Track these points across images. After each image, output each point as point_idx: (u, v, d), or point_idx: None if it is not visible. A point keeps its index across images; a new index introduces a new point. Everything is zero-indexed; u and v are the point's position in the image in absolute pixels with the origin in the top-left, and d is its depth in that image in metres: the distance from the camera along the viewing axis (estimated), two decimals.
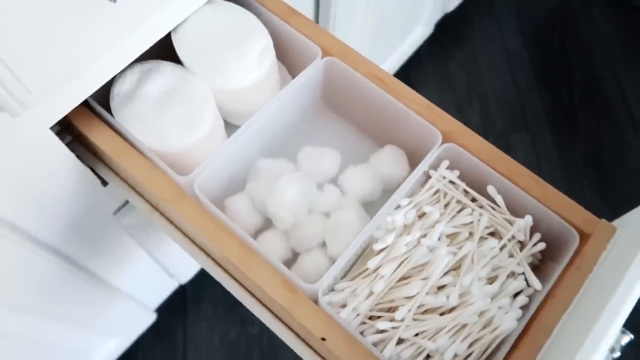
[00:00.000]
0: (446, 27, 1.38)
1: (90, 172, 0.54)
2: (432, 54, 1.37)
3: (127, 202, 0.62)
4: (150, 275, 0.82)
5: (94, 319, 0.72)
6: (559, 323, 0.41)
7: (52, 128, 0.48)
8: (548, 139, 1.28)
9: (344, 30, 0.79)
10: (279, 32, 0.52)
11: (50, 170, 0.48)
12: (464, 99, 1.32)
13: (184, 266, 0.91)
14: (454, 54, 1.38)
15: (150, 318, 0.92)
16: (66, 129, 0.52)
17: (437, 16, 1.22)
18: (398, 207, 0.45)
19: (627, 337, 0.42)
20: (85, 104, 0.48)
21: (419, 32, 1.13)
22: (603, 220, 0.45)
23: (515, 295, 0.43)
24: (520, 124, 1.30)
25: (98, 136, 0.47)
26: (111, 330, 0.80)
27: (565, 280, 0.42)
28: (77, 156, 0.52)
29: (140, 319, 0.88)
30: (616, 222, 0.46)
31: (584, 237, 0.44)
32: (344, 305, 0.42)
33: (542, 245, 0.45)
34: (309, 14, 0.74)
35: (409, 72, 1.33)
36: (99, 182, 0.56)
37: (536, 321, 0.41)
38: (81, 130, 0.47)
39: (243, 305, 0.46)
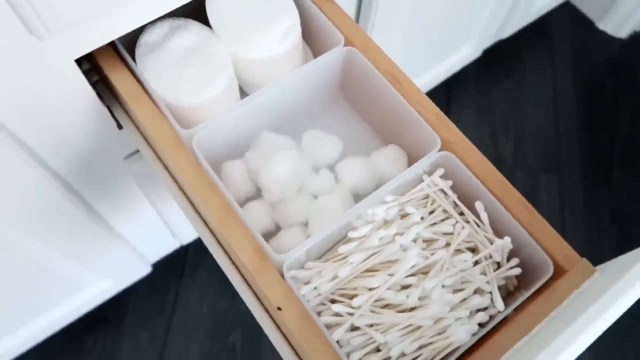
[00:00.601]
0: (497, 54, 1.36)
1: (108, 113, 0.56)
2: (478, 77, 1.36)
3: (138, 150, 0.65)
4: (152, 229, 0.85)
5: (90, 256, 0.75)
6: (513, 348, 0.40)
7: (81, 66, 0.51)
8: (577, 186, 1.25)
9: (382, 32, 0.80)
10: (308, 15, 0.54)
11: (70, 102, 0.51)
12: (500, 128, 1.31)
13: (187, 228, 0.93)
14: (500, 82, 1.37)
15: (145, 270, 0.95)
16: (95, 70, 0.55)
17: (489, 41, 1.21)
18: (383, 202, 0.46)
19: None
20: (114, 47, 0.51)
21: (466, 52, 1.12)
22: (584, 260, 0.44)
23: (479, 311, 0.43)
24: (552, 164, 1.27)
25: (118, 78, 0.50)
26: (105, 271, 0.83)
27: (531, 308, 0.42)
28: (100, 96, 0.55)
29: (135, 269, 0.92)
30: (600, 267, 0.45)
31: (560, 271, 0.44)
32: (308, 283, 0.43)
33: (517, 270, 0.45)
34: (351, 14, 0.76)
35: (450, 89, 1.33)
36: (114, 124, 0.58)
37: (490, 340, 0.41)
38: (104, 69, 0.50)
39: None
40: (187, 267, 1.11)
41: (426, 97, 0.50)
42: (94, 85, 0.55)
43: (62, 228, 0.64)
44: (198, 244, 1.11)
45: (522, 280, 0.46)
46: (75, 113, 0.53)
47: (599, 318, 0.36)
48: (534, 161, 1.27)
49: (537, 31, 1.43)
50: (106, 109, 0.56)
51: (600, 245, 1.18)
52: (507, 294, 0.47)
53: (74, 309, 0.87)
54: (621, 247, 1.19)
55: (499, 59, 1.38)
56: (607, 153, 1.30)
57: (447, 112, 1.31)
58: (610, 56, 1.43)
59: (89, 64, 0.54)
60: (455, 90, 1.33)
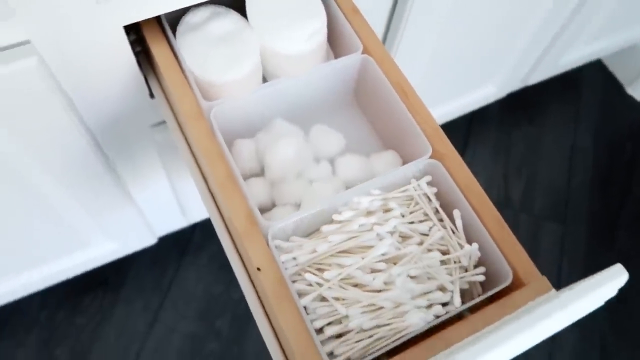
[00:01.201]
0: (523, 99, 1.40)
1: (143, 81, 0.63)
2: (500, 117, 1.40)
3: (164, 121, 0.71)
4: (164, 201, 0.90)
5: (103, 214, 0.81)
6: (461, 342, 0.44)
7: (128, 36, 0.58)
8: (580, 240, 1.27)
9: (406, 57, 0.85)
10: (335, 21, 0.59)
11: (112, 64, 0.58)
12: (513, 170, 1.34)
13: (196, 208, 0.99)
14: (521, 126, 1.40)
15: (151, 241, 1.01)
16: (139, 42, 0.61)
17: (516, 85, 1.25)
18: (369, 194, 0.50)
19: None
20: (159, 23, 0.57)
21: (490, 91, 1.17)
22: (544, 277, 0.48)
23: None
24: (558, 214, 1.30)
25: (158, 49, 0.56)
26: (113, 233, 0.89)
27: (485, 310, 0.46)
28: (139, 65, 0.61)
29: (141, 237, 0.97)
30: (561, 290, 0.48)
31: (519, 283, 0.47)
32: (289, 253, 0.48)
33: (481, 277, 0.49)
34: (379, 31, 0.82)
35: (471, 124, 1.37)
36: (147, 92, 0.65)
37: (441, 332, 0.44)
38: (147, 40, 0.56)
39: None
40: (190, 247, 1.16)
41: (428, 112, 0.55)
42: (136, 55, 0.61)
43: (83, 179, 0.70)
44: (205, 226, 1.17)
45: (487, 289, 0.50)
46: (115, 75, 0.59)
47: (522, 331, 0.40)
48: (541, 208, 1.30)
49: (566, 84, 1.47)
50: (142, 77, 0.62)
51: None
52: (471, 300, 0.51)
53: (78, 263, 0.93)
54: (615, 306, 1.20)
55: (523, 105, 1.42)
56: (615, 213, 1.32)
57: (465, 145, 1.35)
58: (635, 122, 1.46)
59: (135, 36, 0.61)
60: (476, 125, 1.38)
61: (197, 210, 1.02)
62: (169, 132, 0.72)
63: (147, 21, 0.57)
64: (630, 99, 1.49)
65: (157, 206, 0.91)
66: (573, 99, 1.46)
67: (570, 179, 1.35)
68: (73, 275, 0.97)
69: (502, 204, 1.28)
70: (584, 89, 1.48)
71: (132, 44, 0.60)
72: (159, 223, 0.99)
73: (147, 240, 1.00)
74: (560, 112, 1.44)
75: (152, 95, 0.65)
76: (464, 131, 1.37)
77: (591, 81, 1.50)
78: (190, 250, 1.16)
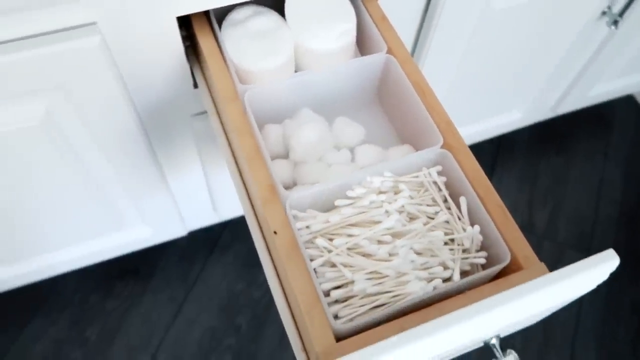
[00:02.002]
0: (553, 129, 1.42)
1: (189, 71, 0.70)
2: (528, 145, 1.42)
3: (205, 112, 0.78)
4: (197, 192, 0.97)
5: (139, 194, 0.87)
6: (455, 312, 0.47)
7: (180, 30, 0.65)
8: None
9: (432, 70, 0.90)
10: (364, 24, 0.65)
11: (163, 53, 0.65)
12: (539, 199, 1.35)
13: (228, 204, 1.05)
14: (549, 157, 1.42)
15: (181, 232, 1.07)
16: (189, 37, 0.69)
17: (545, 114, 1.28)
18: (381, 175, 0.55)
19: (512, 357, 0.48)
20: (207, 18, 0.65)
21: (515, 117, 1.20)
22: (542, 263, 0.50)
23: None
24: (582, 245, 1.29)
25: (204, 39, 0.63)
26: (147, 216, 0.95)
27: (483, 288, 0.49)
28: (187, 56, 0.69)
29: (174, 227, 1.03)
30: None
31: (518, 267, 0.50)
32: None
33: (481, 260, 0.52)
34: (407, 47, 0.87)
35: (498, 151, 1.40)
36: (192, 82, 0.72)
37: (439, 304, 0.48)
38: (195, 30, 0.63)
39: (257, 269, 0.57)
40: (219, 245, 1.22)
41: (443, 109, 0.60)
42: (185, 48, 0.68)
43: (127, 158, 0.77)
44: (234, 226, 1.22)
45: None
46: (165, 63, 0.66)
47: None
48: (565, 237, 1.30)
49: (598, 118, 1.48)
50: (189, 68, 0.69)
51: (614, 332, 1.18)
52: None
53: (114, 246, 0.99)
54: (636, 338, 1.18)
55: (553, 135, 1.44)
56: None
57: (492, 171, 1.37)
58: None
59: (186, 32, 0.68)
60: (503, 152, 1.40)
61: (228, 208, 1.08)
62: (208, 122, 0.79)
63: (197, 15, 0.64)
64: None
65: (190, 197, 0.97)
66: (604, 134, 1.47)
67: (597, 212, 1.35)
68: (108, 257, 1.04)
69: (526, 229, 1.29)
70: (615, 125, 1.49)
71: (183, 38, 0.67)
72: (191, 216, 1.05)
73: (178, 231, 1.06)
74: (590, 145, 1.45)
75: (195, 86, 0.72)
76: (491, 157, 1.39)
77: (623, 117, 1.50)
78: (218, 248, 1.21)
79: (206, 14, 0.65)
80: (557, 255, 1.27)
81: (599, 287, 1.23)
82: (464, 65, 0.93)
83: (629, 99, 1.51)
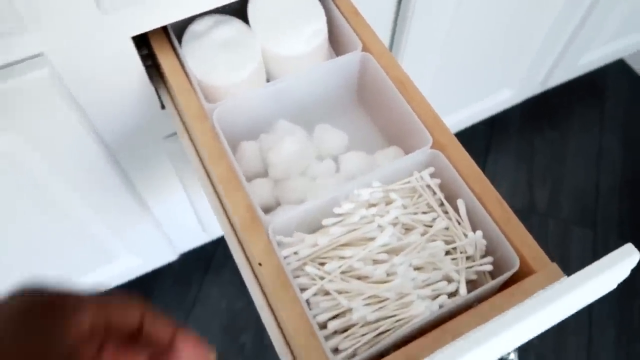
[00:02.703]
0: (544, 104, 1.38)
1: (154, 92, 0.65)
2: (520, 123, 1.38)
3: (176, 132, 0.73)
4: (182, 215, 0.92)
5: (121, 225, 0.83)
6: (469, 332, 0.43)
7: (139, 50, 0.60)
8: (612, 244, 1.22)
9: (414, 61, 0.85)
10: (336, 23, 0.60)
11: (123, 75, 0.60)
12: (538, 177, 1.31)
13: (217, 223, 1.00)
14: (544, 132, 1.38)
15: (172, 257, 1.02)
16: (150, 56, 0.64)
17: (535, 89, 1.23)
18: (370, 186, 0.50)
19: None
20: (166, 33, 0.60)
21: (506, 96, 1.16)
22: (554, 264, 0.46)
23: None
24: (587, 219, 1.26)
25: (164, 57, 0.58)
26: (135, 247, 0.91)
27: (493, 300, 0.44)
28: (150, 77, 0.64)
29: (163, 252, 0.99)
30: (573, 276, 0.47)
31: (529, 271, 0.46)
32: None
33: (488, 267, 0.47)
34: (385, 40, 0.82)
35: (491, 132, 1.35)
36: (159, 103, 0.67)
37: (449, 323, 0.43)
38: (154, 49, 0.58)
39: None
40: (213, 263, 1.17)
41: (428, 103, 0.55)
42: (146, 68, 0.64)
43: (101, 191, 0.72)
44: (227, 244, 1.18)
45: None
46: (126, 87, 0.61)
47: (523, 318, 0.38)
48: (569, 213, 1.26)
49: (590, 87, 1.44)
50: (153, 89, 0.64)
51: (630, 307, 1.14)
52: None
53: (104, 279, 0.94)
54: None
55: (545, 110, 1.40)
56: None
57: (486, 153, 1.33)
58: None
59: (147, 51, 0.63)
60: (496, 133, 1.36)
61: (218, 226, 1.03)
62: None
63: (155, 32, 0.59)
64: None
65: (176, 220, 0.92)
66: (597, 102, 1.43)
67: (599, 183, 1.31)
68: (100, 291, 0.99)
69: (528, 210, 1.25)
70: (608, 92, 1.45)
71: (144, 58, 0.62)
72: (180, 239, 1.01)
73: (168, 256, 1.02)
74: (584, 116, 1.41)
75: (163, 107, 0.68)
76: (485, 140, 1.35)
77: (616, 83, 1.46)
78: (213, 268, 1.17)
79: (165, 29, 0.60)
80: (562, 233, 1.23)
81: None
82: (447, 51, 0.89)
83: (619, 64, 1.47)
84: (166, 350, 0.28)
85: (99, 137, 0.65)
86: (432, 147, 0.51)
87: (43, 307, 0.25)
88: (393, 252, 0.47)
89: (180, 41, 0.59)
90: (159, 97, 0.66)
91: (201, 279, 1.16)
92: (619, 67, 1.47)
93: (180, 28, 0.59)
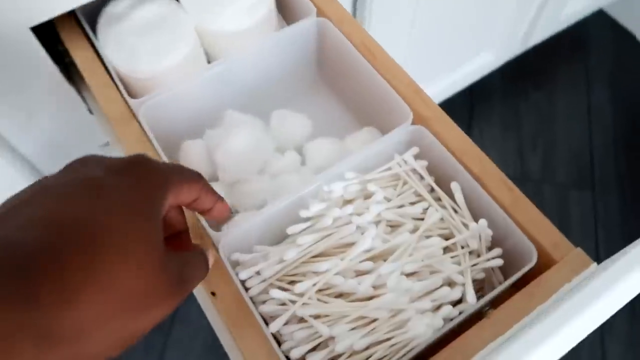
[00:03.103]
0: (526, 64, 1.30)
1: (75, 94, 0.54)
2: (503, 88, 1.29)
3: None
4: None
5: None
6: (485, 349, 0.34)
7: (55, 45, 0.49)
8: (613, 204, 1.15)
9: (383, 27, 0.75)
10: None
11: (31, 79, 0.49)
12: (527, 143, 1.23)
13: None
14: (528, 94, 1.29)
15: None
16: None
17: (516, 49, 1.14)
18: (343, 179, 0.40)
19: None
20: (77, 20, 0.49)
21: (486, 59, 1.06)
22: (579, 249, 0.37)
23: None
24: (585, 181, 1.18)
25: (75, 48, 0.47)
26: None
27: (510, 303, 0.35)
28: (69, 76, 0.53)
29: None
30: (603, 264, 0.38)
31: (549, 262, 0.37)
32: None
33: (498, 262, 0.38)
34: (346, 4, 0.72)
35: (473, 102, 1.27)
36: (85, 107, 0.56)
37: (458, 339, 0.34)
38: (63, 41, 0.48)
39: None
40: None
41: (403, 71, 0.45)
42: (65, 66, 0.53)
43: None
44: None
45: (510, 276, 0.40)
46: (38, 90, 0.51)
47: (580, 314, 0.30)
48: (565, 177, 1.18)
49: (573, 42, 1.36)
50: (73, 90, 0.54)
51: None
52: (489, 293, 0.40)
53: None
54: None
55: (528, 71, 1.31)
56: None
57: (469, 125, 1.24)
58: None
59: (62, 47, 0.52)
60: (478, 102, 1.27)
61: None
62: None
63: (62, 20, 0.48)
64: None
65: None
66: (581, 58, 1.35)
67: (592, 141, 1.23)
68: None
69: (521, 179, 1.17)
70: (592, 45, 1.37)
71: (60, 54, 0.52)
72: None
73: None
74: (570, 73, 1.33)
75: (91, 111, 0.57)
76: (467, 110, 1.26)
77: (599, 36, 1.38)
78: None
79: (75, 16, 0.49)
80: (560, 198, 1.15)
81: (614, 223, 1.11)
82: (420, 15, 0.79)
83: (601, 16, 1.38)
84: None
85: (16, 154, 0.55)
86: (413, 123, 0.42)
87: (147, 171, 0.26)
88: (379, 258, 0.37)
89: (95, 28, 0.48)
90: (84, 100, 0.55)
91: None
92: (600, 20, 1.39)
93: (94, 12, 0.49)
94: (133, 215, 0.23)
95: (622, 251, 0.36)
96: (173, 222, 0.32)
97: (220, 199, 0.32)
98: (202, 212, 0.32)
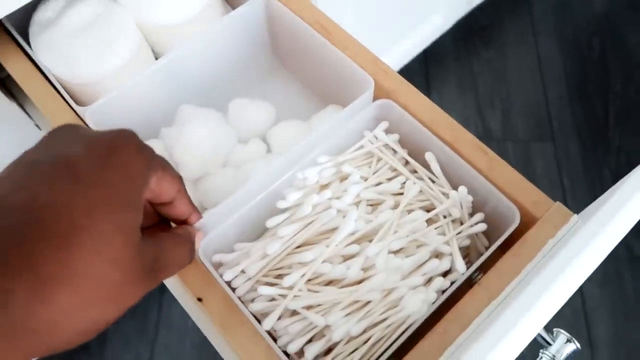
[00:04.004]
0: (473, 24, 1.30)
1: (20, 111, 0.51)
2: (455, 50, 1.29)
3: None
4: None
5: None
6: (481, 315, 0.34)
7: None
8: (574, 152, 1.18)
9: (329, 5, 0.73)
10: None
11: None
12: (485, 102, 1.24)
13: None
14: (480, 54, 1.30)
15: None
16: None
17: (462, 9, 1.15)
18: (316, 164, 0.39)
19: (572, 346, 0.35)
20: (6, 31, 0.45)
21: (437, 22, 1.06)
22: (557, 204, 0.37)
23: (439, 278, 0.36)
24: (544, 133, 1.20)
25: (9, 61, 0.44)
26: None
27: (498, 266, 0.35)
28: (12, 94, 0.49)
29: None
30: (581, 213, 0.38)
31: (531, 220, 0.37)
32: None
33: (482, 226, 0.38)
34: None
35: (428, 68, 1.27)
36: (32, 123, 0.52)
37: (452, 309, 0.34)
38: None
39: None
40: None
41: (361, 45, 0.44)
42: (2, 81, 0.49)
43: None
44: None
45: (494, 240, 0.39)
46: None
47: (572, 265, 0.30)
48: (525, 132, 1.20)
49: None
50: (15, 104, 0.50)
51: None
52: (479, 257, 0.40)
53: None
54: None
55: (476, 30, 1.32)
56: (602, 114, 1.22)
57: (427, 90, 1.24)
58: (594, 15, 1.36)
59: None
60: (433, 67, 1.27)
61: None
62: None
63: None
64: None
65: None
66: (526, 10, 1.36)
67: (546, 93, 1.25)
68: None
69: (484, 139, 1.18)
70: None
71: None
72: None
73: None
74: (516, 27, 1.34)
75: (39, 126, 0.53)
76: (423, 77, 1.26)
77: None
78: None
79: (4, 27, 0.45)
80: (523, 153, 1.17)
81: (577, 169, 1.13)
82: None
83: None
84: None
85: None
86: (378, 97, 0.40)
87: (129, 150, 0.24)
88: (364, 239, 0.36)
89: (27, 38, 0.45)
90: (29, 115, 0.52)
91: (159, 300, 1.03)
92: None
93: (24, 20, 0.45)
94: (112, 203, 0.22)
95: (600, 199, 0.37)
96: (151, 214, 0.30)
97: (195, 209, 0.31)
98: (176, 221, 0.30)
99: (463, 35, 1.30)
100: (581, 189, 1.13)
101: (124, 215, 0.22)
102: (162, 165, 0.27)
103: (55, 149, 0.23)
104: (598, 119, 1.22)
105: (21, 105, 0.51)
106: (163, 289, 1.03)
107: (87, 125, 0.40)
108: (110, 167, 0.23)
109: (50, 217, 0.20)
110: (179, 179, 0.29)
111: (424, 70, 1.27)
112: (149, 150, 0.26)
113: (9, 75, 0.50)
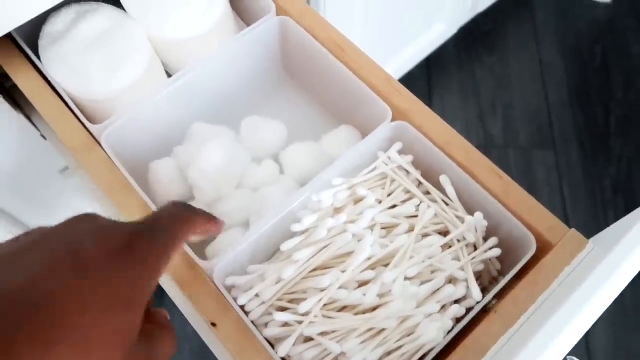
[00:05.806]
0: (476, 30, 1.30)
1: (25, 121, 0.50)
2: (458, 57, 1.29)
3: None
4: None
5: None
6: (497, 343, 0.33)
7: None
8: (575, 160, 1.18)
9: (337, 14, 0.73)
10: None
11: None
12: (487, 108, 1.24)
13: None
14: (482, 60, 1.30)
15: None
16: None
17: (466, 16, 1.14)
18: (331, 186, 0.39)
19: None
20: (16, 43, 0.45)
21: (440, 30, 1.06)
22: (573, 231, 0.37)
23: (455, 304, 0.36)
24: (546, 140, 1.20)
25: (19, 75, 0.43)
26: None
27: (514, 294, 0.35)
28: (18, 105, 0.49)
29: None
30: (594, 239, 0.38)
31: (546, 247, 0.37)
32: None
33: (496, 252, 0.38)
34: None
35: (430, 74, 1.26)
36: (38, 133, 0.52)
37: (469, 337, 0.34)
38: (3, 66, 0.44)
39: None
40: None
41: (376, 65, 0.44)
42: (8, 91, 0.49)
43: None
44: None
45: (507, 264, 0.39)
46: None
47: (593, 296, 0.29)
48: (526, 139, 1.20)
49: (519, 3, 1.37)
50: (21, 115, 0.49)
51: (605, 218, 1.11)
52: (491, 281, 0.40)
53: None
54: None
55: (479, 36, 1.32)
56: (603, 122, 1.23)
57: (430, 97, 1.24)
58: (597, 22, 1.36)
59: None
60: (435, 73, 1.27)
61: None
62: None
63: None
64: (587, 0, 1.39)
65: None
66: (528, 16, 1.36)
67: (548, 100, 1.25)
68: None
69: (486, 146, 1.18)
70: (536, 3, 1.38)
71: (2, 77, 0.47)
72: None
73: None
74: (518, 33, 1.34)
75: (44, 136, 0.53)
76: (426, 83, 1.26)
77: None
78: (160, 288, 1.04)
79: (13, 39, 0.45)
80: (525, 160, 1.17)
81: (577, 178, 1.13)
82: None
83: None
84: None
85: None
86: (393, 119, 0.40)
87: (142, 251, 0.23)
88: (379, 264, 0.36)
89: (37, 50, 0.44)
90: (35, 126, 0.51)
91: (158, 306, 1.02)
92: None
93: (34, 33, 0.44)
94: (114, 302, 0.21)
95: (615, 226, 0.37)
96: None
97: (212, 218, 0.30)
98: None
99: (466, 42, 1.30)
100: (582, 198, 1.13)
101: (124, 317, 0.22)
102: (176, 243, 0.26)
103: (69, 237, 0.22)
104: (599, 126, 1.22)
105: (27, 116, 0.50)
106: (162, 294, 1.03)
107: (100, 145, 0.39)
108: (120, 263, 0.22)
109: (43, 309, 0.19)
110: (191, 220, 0.28)
111: (426, 77, 1.27)
112: (163, 244, 0.24)
113: (14, 85, 0.49)
